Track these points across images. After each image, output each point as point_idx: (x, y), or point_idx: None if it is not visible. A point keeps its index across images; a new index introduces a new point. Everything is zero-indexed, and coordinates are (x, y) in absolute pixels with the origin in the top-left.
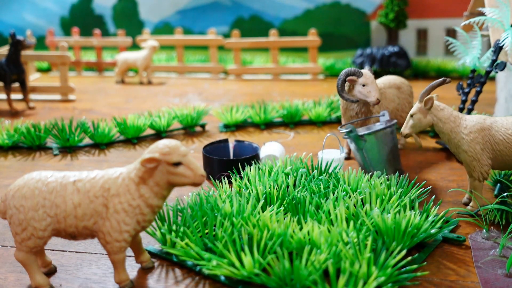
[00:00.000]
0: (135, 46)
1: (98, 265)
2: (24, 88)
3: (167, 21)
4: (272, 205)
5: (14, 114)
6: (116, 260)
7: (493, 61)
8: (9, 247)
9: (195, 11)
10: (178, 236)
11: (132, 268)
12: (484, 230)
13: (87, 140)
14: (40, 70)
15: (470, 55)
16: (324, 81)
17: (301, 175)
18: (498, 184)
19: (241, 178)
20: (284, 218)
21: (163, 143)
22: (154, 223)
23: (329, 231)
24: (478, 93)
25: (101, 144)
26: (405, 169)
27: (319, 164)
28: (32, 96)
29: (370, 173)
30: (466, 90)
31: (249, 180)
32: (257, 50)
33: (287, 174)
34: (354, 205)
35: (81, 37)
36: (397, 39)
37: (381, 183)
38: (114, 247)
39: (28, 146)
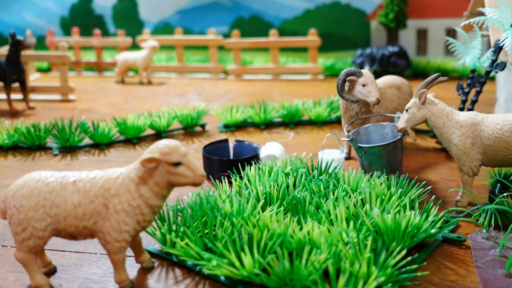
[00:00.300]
0: (135, 46)
1: (98, 265)
2: (24, 88)
3: (167, 21)
4: (272, 205)
5: (14, 114)
6: (116, 260)
7: (493, 61)
8: (9, 247)
9: (195, 11)
10: (178, 236)
11: (132, 268)
12: (484, 230)
13: (87, 140)
14: (40, 70)
15: (470, 55)
16: (324, 81)
17: (301, 175)
18: (498, 184)
19: (241, 178)
20: (284, 218)
21: (163, 143)
22: (154, 223)
23: (329, 231)
24: (478, 93)
25: (101, 144)
26: (405, 169)
27: (319, 164)
28: (32, 96)
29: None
30: (466, 90)
31: (249, 180)
32: (257, 50)
33: (287, 174)
34: (354, 205)
35: (81, 37)
36: (397, 39)
37: (381, 183)
38: (114, 247)
39: (28, 146)
